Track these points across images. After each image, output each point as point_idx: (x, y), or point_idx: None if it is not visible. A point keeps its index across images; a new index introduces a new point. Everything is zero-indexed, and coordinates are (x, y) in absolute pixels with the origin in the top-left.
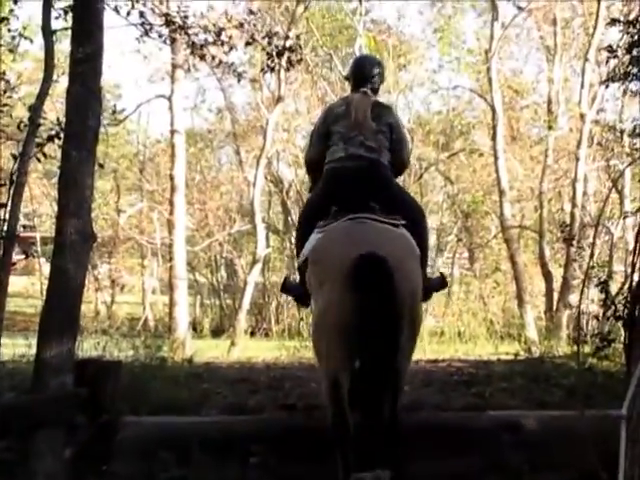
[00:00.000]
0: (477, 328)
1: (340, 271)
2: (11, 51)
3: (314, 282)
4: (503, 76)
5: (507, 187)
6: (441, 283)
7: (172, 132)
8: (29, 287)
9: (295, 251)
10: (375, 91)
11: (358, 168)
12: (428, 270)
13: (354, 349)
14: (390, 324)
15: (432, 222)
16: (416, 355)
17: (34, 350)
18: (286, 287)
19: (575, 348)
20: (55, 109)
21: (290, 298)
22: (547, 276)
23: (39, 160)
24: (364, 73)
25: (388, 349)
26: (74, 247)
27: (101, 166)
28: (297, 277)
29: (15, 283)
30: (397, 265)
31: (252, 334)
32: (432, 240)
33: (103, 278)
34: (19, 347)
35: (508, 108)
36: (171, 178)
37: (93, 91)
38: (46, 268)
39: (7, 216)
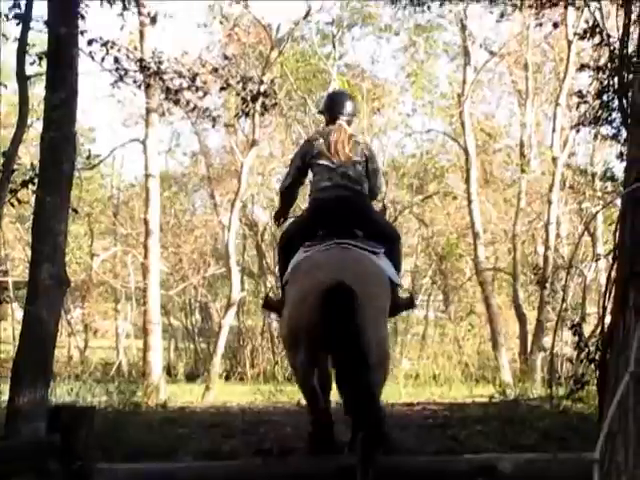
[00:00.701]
0: (452, 371)
1: (313, 293)
2: None
3: (291, 293)
4: (476, 119)
5: (481, 230)
6: (409, 302)
7: (146, 176)
8: (1, 332)
9: (278, 269)
10: (349, 124)
11: (344, 198)
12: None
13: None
14: (351, 337)
15: (407, 265)
16: (391, 398)
17: (6, 396)
18: (268, 303)
19: (549, 390)
20: (29, 153)
21: (265, 343)
22: (521, 318)
23: (13, 205)
24: (339, 106)
25: (351, 356)
26: (48, 292)
27: (75, 211)
28: (280, 293)
29: None
30: (365, 290)
31: (227, 378)
32: (407, 283)
33: (76, 323)
34: None
35: (481, 151)
36: (145, 222)
37: (67, 137)
38: (19, 313)
39: None
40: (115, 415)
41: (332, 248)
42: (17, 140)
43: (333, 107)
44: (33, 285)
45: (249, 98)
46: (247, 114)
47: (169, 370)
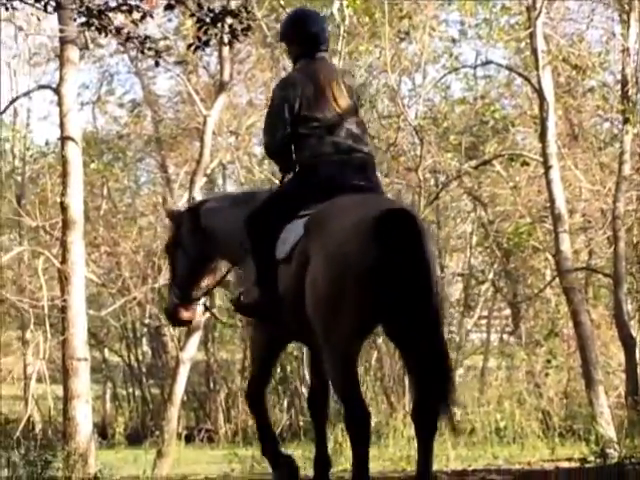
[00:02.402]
0: (525, 422)
1: (361, 226)
2: None
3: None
4: (556, 45)
5: (565, 210)
6: None
7: (63, 139)
8: None
9: (252, 246)
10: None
11: (353, 166)
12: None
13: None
14: (425, 279)
15: (456, 264)
16: (434, 464)
17: None
18: (242, 302)
19: None
20: None
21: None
22: (627, 342)
23: None
24: (320, 34)
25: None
26: None
27: None
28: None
29: None
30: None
31: (189, 439)
32: (457, 292)
33: None
34: None
35: (564, 93)
36: (63, 208)
37: None
38: None
39: None
40: None
41: (351, 195)
42: None
43: (309, 33)
44: None
45: (208, 20)
46: (206, 44)
47: (103, 429)
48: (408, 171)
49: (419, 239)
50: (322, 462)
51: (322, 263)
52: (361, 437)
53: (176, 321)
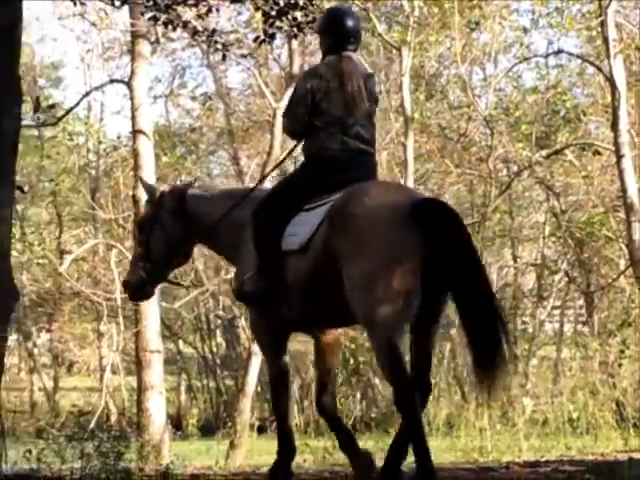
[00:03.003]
0: (598, 413)
1: (397, 216)
2: None
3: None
4: (628, 34)
5: (637, 200)
6: None
7: (134, 133)
8: None
9: (257, 236)
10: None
11: (357, 166)
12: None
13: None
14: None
15: (529, 254)
16: (507, 455)
17: None
18: (245, 290)
19: None
20: None
21: None
22: None
23: None
24: (348, 30)
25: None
26: None
27: (21, 190)
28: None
29: None
30: None
31: (261, 430)
32: (530, 282)
33: (41, 353)
34: None
35: (637, 82)
36: (135, 201)
37: (6, 80)
38: None
39: None
40: None
41: (365, 184)
42: None
43: (341, 32)
44: None
45: (274, 13)
46: (272, 37)
47: (178, 420)
48: (479, 161)
49: (463, 229)
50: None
51: (362, 250)
52: (412, 416)
53: (139, 296)
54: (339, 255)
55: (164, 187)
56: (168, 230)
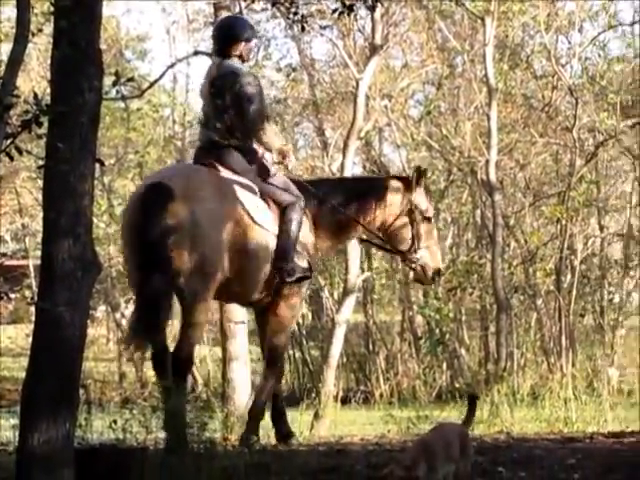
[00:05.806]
0: None
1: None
2: None
3: None
4: None
5: None
6: None
7: None
8: (20, 340)
9: None
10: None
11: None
12: None
13: None
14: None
15: (616, 224)
16: (592, 425)
17: (12, 434)
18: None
19: None
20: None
21: (406, 347)
22: None
23: (11, 158)
24: (218, 36)
25: None
26: (69, 281)
27: (101, 163)
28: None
29: None
30: None
31: (345, 401)
32: (617, 252)
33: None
34: (4, 430)
35: None
36: None
37: (87, 52)
38: None
39: None
40: (178, 460)
41: None
42: (15, 62)
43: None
44: (47, 271)
45: None
46: (351, 8)
47: None
48: (564, 131)
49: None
50: None
51: None
52: None
53: None
54: None
55: None
56: None
